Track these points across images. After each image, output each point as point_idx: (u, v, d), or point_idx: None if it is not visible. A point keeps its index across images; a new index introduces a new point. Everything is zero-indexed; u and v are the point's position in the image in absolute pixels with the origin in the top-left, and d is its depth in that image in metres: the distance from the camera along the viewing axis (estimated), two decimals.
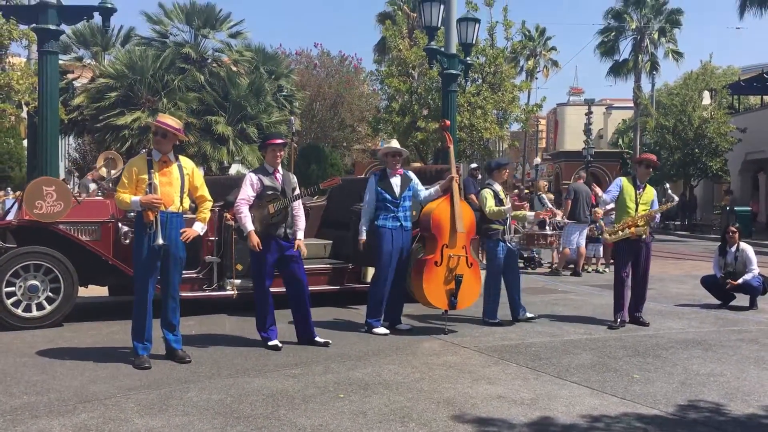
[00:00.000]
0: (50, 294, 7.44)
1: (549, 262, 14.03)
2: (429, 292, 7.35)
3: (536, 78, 47.57)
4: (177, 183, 6.06)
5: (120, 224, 7.80)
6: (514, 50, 26.96)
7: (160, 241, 5.87)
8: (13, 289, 7.28)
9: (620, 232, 8.07)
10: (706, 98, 31.65)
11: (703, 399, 5.27)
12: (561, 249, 13.27)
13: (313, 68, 34.56)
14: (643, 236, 8.10)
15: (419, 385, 5.48)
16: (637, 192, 8.15)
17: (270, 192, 6.58)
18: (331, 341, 6.84)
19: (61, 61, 19.34)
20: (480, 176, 16.23)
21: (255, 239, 6.45)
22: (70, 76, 26.70)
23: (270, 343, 6.63)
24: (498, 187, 8.09)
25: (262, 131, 24.35)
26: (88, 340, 6.94)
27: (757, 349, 6.96)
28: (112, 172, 8.97)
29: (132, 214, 6.67)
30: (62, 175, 22.69)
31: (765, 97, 32.47)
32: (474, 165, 17.28)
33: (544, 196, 14.66)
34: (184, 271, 6.61)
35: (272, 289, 6.73)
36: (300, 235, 6.78)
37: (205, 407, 4.86)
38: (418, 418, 4.69)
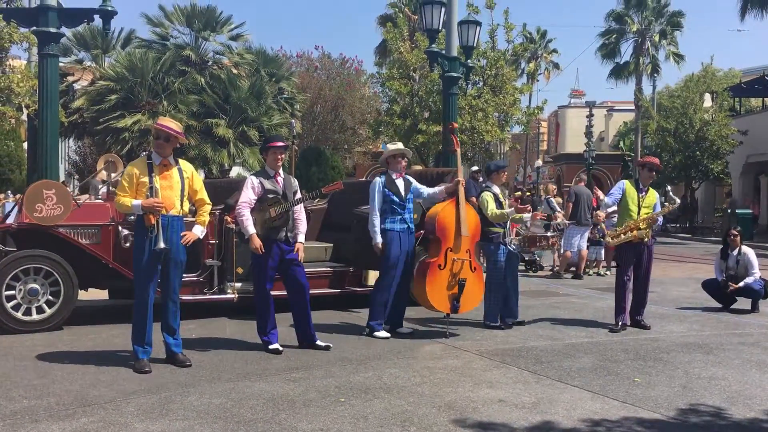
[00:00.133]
0: (50, 297, 7.42)
1: (550, 265, 14.02)
2: (432, 295, 7.33)
3: (537, 80, 47.67)
4: (177, 186, 6.04)
5: (120, 227, 7.79)
6: (515, 53, 27.00)
7: (162, 244, 5.86)
8: (13, 292, 7.27)
9: (622, 236, 8.05)
10: (708, 100, 31.66)
11: (705, 403, 5.25)
12: (562, 251, 13.26)
13: (314, 71, 34.59)
14: (645, 239, 8.08)
15: (420, 389, 5.47)
16: (640, 195, 8.13)
17: (271, 195, 6.57)
18: (331, 345, 6.82)
19: (61, 64, 19.34)
20: (481, 179, 16.20)
21: (257, 242, 6.44)
22: (70, 78, 26.75)
23: (271, 347, 6.61)
24: (497, 190, 8.08)
25: (263, 134, 24.38)
26: (88, 344, 6.93)
27: (758, 353, 6.94)
28: (113, 175, 8.96)
29: (132, 217, 6.65)
30: (62, 178, 22.69)
31: (766, 99, 32.47)
32: (475, 168, 17.25)
33: (552, 199, 14.65)
34: (184, 275, 6.61)
35: (273, 293, 6.72)
36: (301, 238, 6.76)
37: (205, 411, 4.84)
38: (419, 423, 4.67)
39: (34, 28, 10.74)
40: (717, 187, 36.14)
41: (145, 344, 6.00)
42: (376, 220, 7.40)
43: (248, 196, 6.54)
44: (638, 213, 8.07)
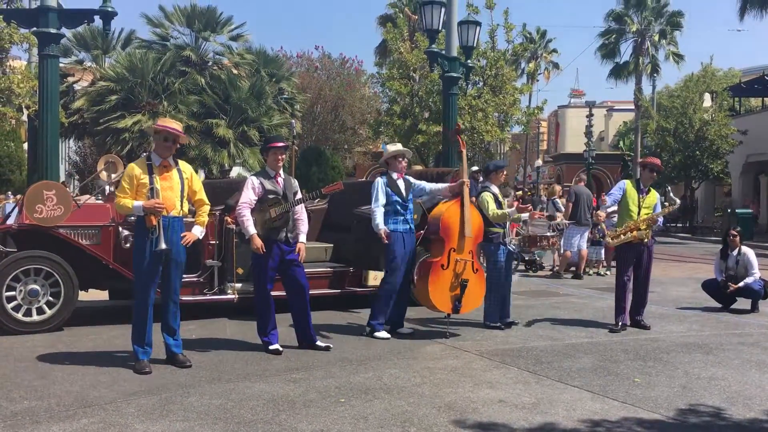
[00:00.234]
0: (50, 298, 7.42)
1: (550, 265, 14.02)
2: (434, 295, 7.33)
3: (537, 80, 47.67)
4: (177, 187, 6.05)
5: (120, 228, 7.80)
6: (515, 53, 26.99)
7: (163, 245, 5.86)
8: (13, 293, 7.27)
9: (622, 236, 8.05)
10: (707, 100, 31.66)
11: (705, 403, 5.25)
12: (562, 251, 13.26)
13: (314, 71, 34.60)
14: (645, 240, 8.08)
15: (420, 390, 5.47)
16: (641, 196, 8.12)
17: (271, 196, 6.57)
18: (332, 345, 6.83)
19: (61, 65, 19.37)
20: (481, 179, 16.21)
21: (258, 242, 6.44)
22: (70, 79, 26.76)
23: (271, 348, 6.61)
24: (496, 190, 8.09)
25: (263, 134, 24.41)
26: (89, 345, 6.93)
27: (758, 353, 6.94)
28: (113, 176, 8.96)
29: (132, 218, 6.65)
30: (62, 178, 22.70)
31: (766, 99, 32.48)
32: (475, 168, 17.25)
33: (558, 200, 14.65)
34: (184, 275, 6.61)
35: (273, 293, 6.72)
36: (302, 238, 6.76)
37: (205, 412, 4.85)
38: (419, 423, 4.68)
39: (35, 28, 10.75)
40: (717, 187, 36.14)
41: (146, 345, 6.00)
42: (379, 216, 7.35)
43: (249, 196, 6.54)
44: (638, 213, 8.06)
